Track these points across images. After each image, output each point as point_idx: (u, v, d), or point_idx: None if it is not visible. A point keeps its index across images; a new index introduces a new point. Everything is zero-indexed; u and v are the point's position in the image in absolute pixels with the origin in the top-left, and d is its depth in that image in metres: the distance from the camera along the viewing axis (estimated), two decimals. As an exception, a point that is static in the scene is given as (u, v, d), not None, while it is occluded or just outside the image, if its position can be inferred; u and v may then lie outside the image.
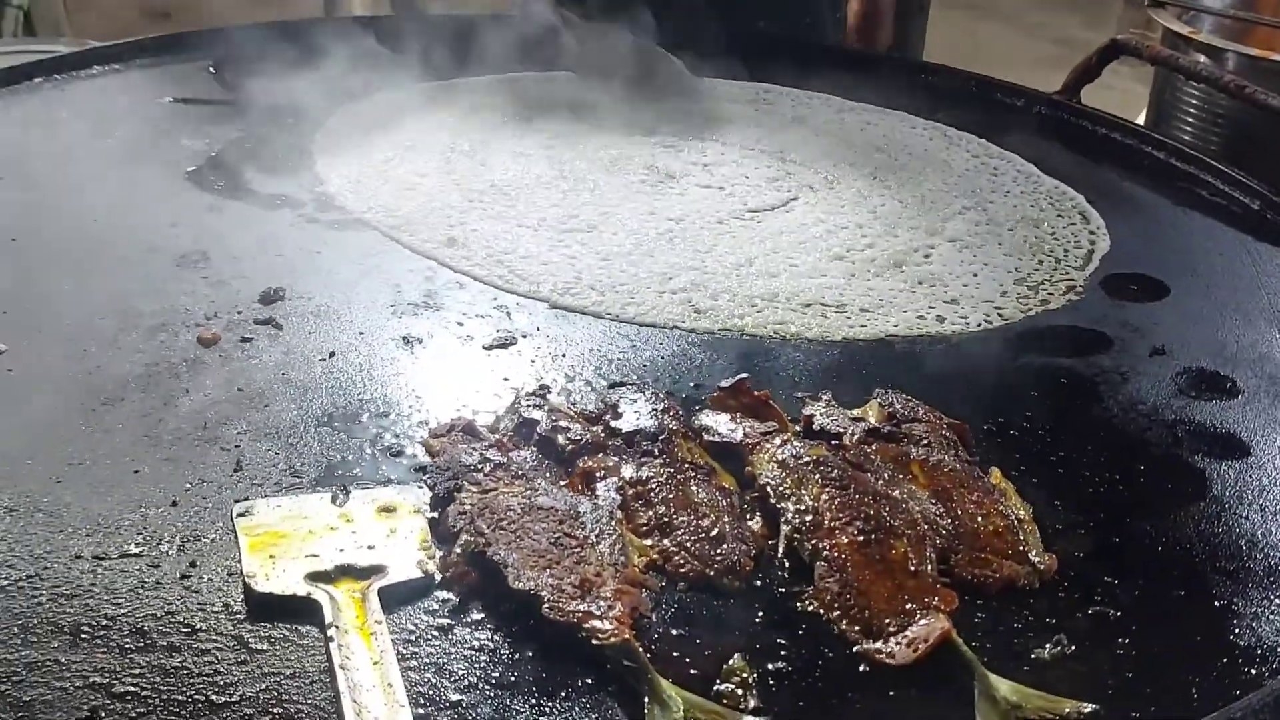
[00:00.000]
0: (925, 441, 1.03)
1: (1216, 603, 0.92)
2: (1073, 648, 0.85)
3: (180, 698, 0.76)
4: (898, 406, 1.07)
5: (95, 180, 1.42)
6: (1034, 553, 0.93)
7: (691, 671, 0.81)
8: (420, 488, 0.95)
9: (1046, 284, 1.38)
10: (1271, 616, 0.90)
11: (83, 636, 0.79)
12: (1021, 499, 0.98)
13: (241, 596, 0.84)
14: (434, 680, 0.79)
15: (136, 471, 0.95)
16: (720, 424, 1.04)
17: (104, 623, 0.81)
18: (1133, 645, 0.86)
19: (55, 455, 0.96)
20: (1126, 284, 1.40)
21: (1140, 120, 2.09)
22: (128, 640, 0.79)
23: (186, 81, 1.75)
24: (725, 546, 0.90)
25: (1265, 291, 1.39)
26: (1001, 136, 1.78)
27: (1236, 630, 0.89)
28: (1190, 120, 1.97)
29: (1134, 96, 2.70)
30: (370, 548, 0.88)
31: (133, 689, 0.76)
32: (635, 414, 1.03)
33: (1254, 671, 0.85)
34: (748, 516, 0.95)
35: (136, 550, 0.87)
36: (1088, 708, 0.79)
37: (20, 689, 0.75)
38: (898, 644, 0.83)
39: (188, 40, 1.86)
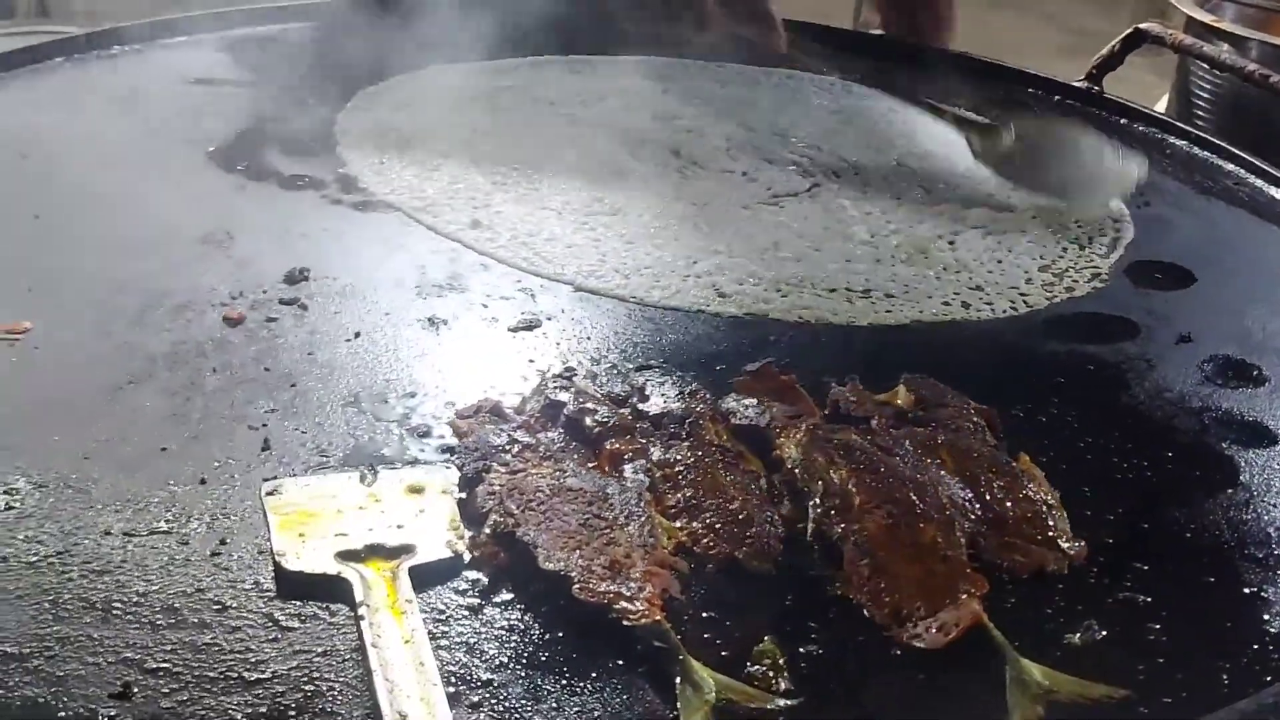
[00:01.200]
0: (953, 426, 1.02)
1: (1246, 589, 0.91)
2: (1103, 633, 0.85)
3: (212, 674, 0.76)
4: (925, 392, 1.07)
5: (117, 159, 1.42)
6: (1063, 538, 0.93)
7: (722, 654, 0.80)
8: (448, 468, 0.95)
9: (1071, 271, 1.38)
10: (1302, 604, 0.90)
11: (114, 612, 0.79)
12: (1050, 485, 0.98)
13: (272, 574, 0.84)
14: (465, 660, 0.79)
15: (164, 449, 0.95)
16: (747, 408, 1.03)
17: (135, 599, 0.80)
18: (1163, 631, 0.86)
19: (83, 432, 0.96)
20: (1151, 272, 1.40)
21: (1160, 109, 2.08)
22: (159, 617, 0.79)
23: (207, 62, 1.74)
24: (754, 529, 0.90)
25: (1290, 281, 1.39)
26: (1025, 124, 1.78)
27: (1267, 617, 0.89)
28: (1211, 110, 1.96)
29: (1149, 87, 2.69)
30: (399, 527, 0.88)
31: (165, 665, 0.76)
32: (662, 397, 1.03)
33: (1286, 659, 0.85)
34: (776, 500, 0.95)
35: (166, 527, 0.87)
36: (1120, 693, 0.79)
37: (54, 664, 0.75)
38: (928, 628, 0.83)
39: (207, 20, 1.85)
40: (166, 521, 0.88)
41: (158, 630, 0.78)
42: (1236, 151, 1.67)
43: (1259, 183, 1.62)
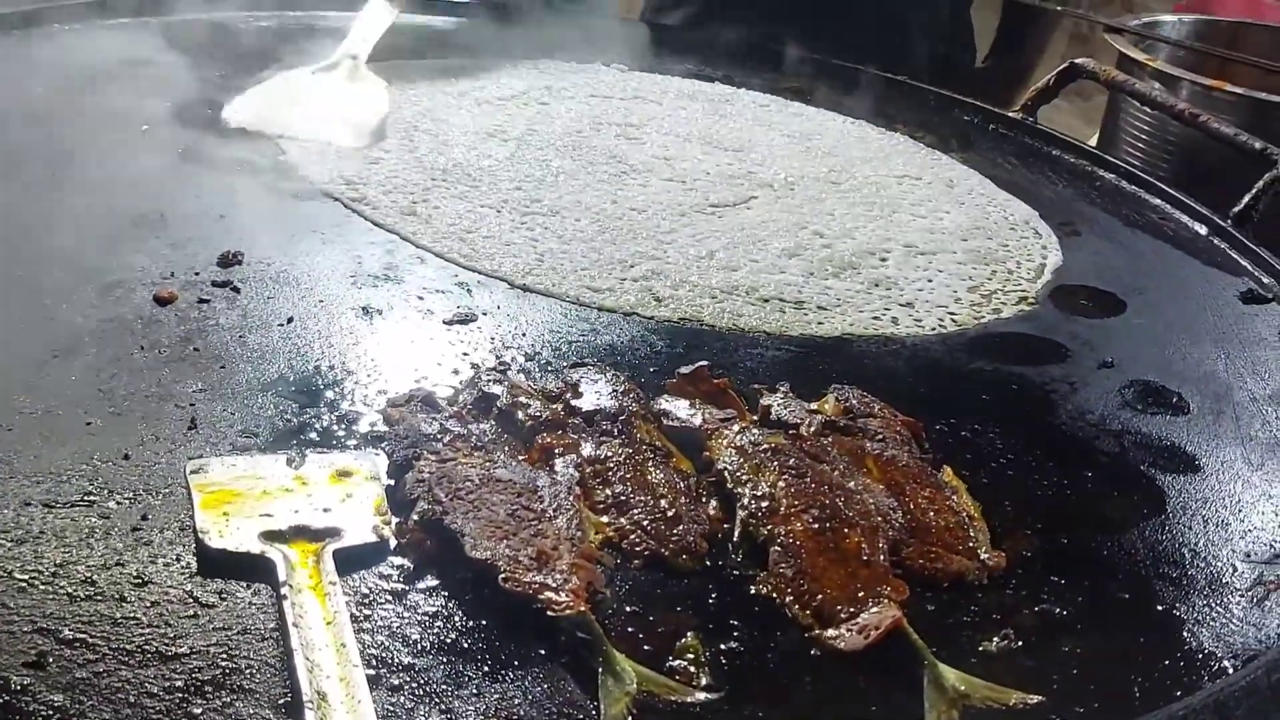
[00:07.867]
0: (880, 437, 1.04)
1: (1159, 607, 0.93)
2: (1020, 643, 0.86)
3: (129, 647, 0.75)
4: (854, 402, 1.08)
5: (52, 136, 1.40)
6: (983, 550, 0.94)
7: (645, 648, 0.81)
8: (377, 454, 0.94)
9: (999, 293, 1.40)
10: (1212, 623, 0.92)
11: (31, 582, 0.78)
12: (972, 497, 0.99)
13: (194, 551, 0.83)
14: (387, 643, 0.78)
15: (89, 424, 0.94)
16: (679, 409, 1.04)
17: (52, 570, 0.79)
18: (1078, 643, 0.87)
19: (6, 404, 0.94)
20: (1076, 298, 1.42)
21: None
22: (77, 588, 0.78)
23: (145, 41, 1.72)
24: (681, 527, 0.91)
25: (1211, 314, 1.41)
26: (959, 150, 1.81)
27: (1178, 635, 0.90)
28: (1138, 146, 2.00)
29: (1076, 130, 2.74)
30: (326, 510, 0.88)
31: (81, 636, 0.75)
32: (596, 394, 1.03)
33: (1194, 676, 0.86)
34: (704, 500, 0.95)
35: (87, 501, 0.86)
36: (1033, 698, 0.80)
37: (-33, 631, 0.74)
38: (849, 630, 0.84)
39: (148, 2, 1.83)
40: (88, 495, 0.86)
41: (75, 601, 0.77)
42: (1163, 186, 1.71)
43: (1183, 217, 1.65)
